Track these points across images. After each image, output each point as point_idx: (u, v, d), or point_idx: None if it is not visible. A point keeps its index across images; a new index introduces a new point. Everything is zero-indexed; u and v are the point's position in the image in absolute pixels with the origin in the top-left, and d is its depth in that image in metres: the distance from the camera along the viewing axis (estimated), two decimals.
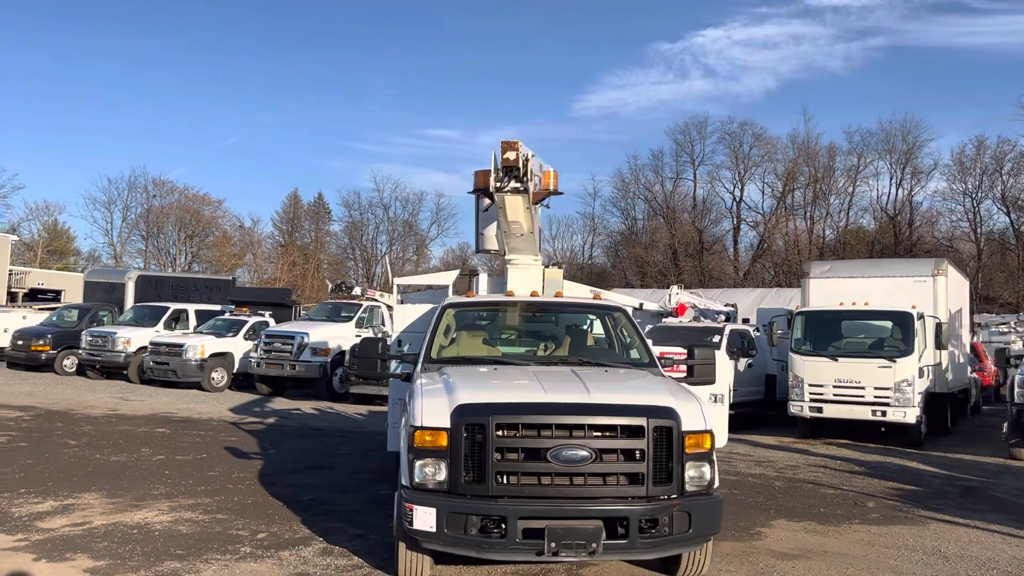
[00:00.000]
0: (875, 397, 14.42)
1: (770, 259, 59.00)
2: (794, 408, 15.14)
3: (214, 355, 21.34)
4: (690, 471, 5.60)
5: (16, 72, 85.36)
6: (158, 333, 22.71)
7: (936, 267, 15.97)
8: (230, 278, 38.32)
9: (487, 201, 8.82)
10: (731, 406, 16.04)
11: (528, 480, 5.43)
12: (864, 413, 14.53)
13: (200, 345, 21.23)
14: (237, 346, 21.87)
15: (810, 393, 14.94)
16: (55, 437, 12.54)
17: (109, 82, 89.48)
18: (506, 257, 8.99)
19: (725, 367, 9.01)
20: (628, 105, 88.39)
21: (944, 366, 15.72)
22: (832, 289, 16.28)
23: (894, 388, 14.29)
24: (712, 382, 7.34)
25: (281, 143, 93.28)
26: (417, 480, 5.52)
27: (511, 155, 7.32)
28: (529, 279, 8.82)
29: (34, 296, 46.98)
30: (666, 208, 64.11)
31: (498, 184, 7.59)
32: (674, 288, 19.18)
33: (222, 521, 7.62)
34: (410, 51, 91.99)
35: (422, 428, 5.55)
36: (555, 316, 8.56)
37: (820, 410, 14.87)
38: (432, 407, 5.63)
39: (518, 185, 7.56)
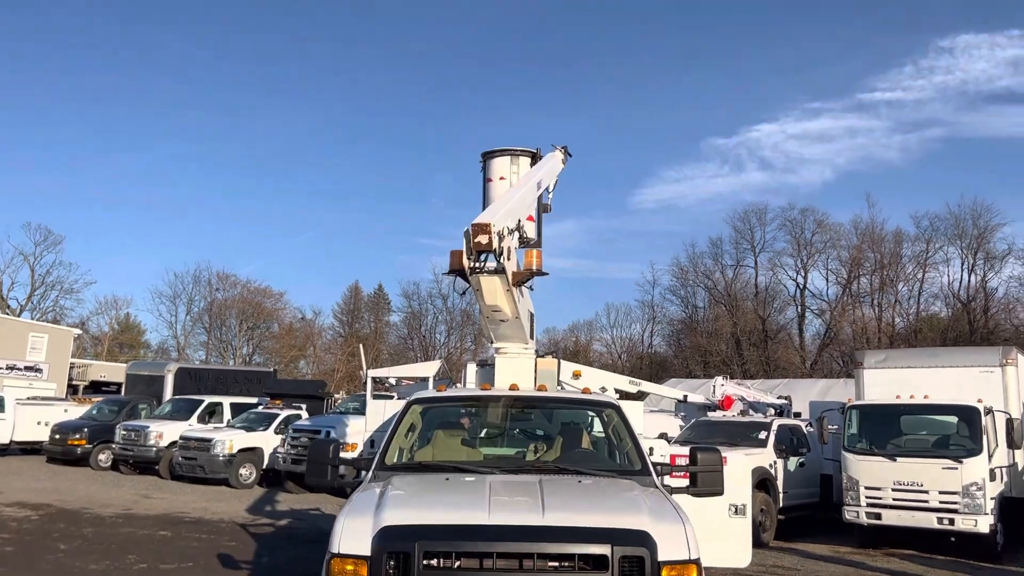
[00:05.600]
0: (940, 503, 12.82)
1: (837, 348, 56.59)
2: (849, 514, 13.58)
3: (243, 450, 20.75)
4: None
5: (89, 173, 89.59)
6: (190, 427, 22.27)
7: (1004, 356, 14.45)
8: (271, 370, 38.12)
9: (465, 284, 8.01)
10: (781, 511, 14.68)
11: None
12: (929, 521, 12.91)
13: (229, 440, 20.68)
14: (267, 440, 21.25)
15: (867, 497, 13.40)
16: (48, 541, 11.92)
17: (183, 183, 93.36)
18: (494, 345, 8.10)
19: (744, 472, 7.80)
20: (685, 197, 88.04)
21: (1022, 467, 14.06)
22: (889, 380, 14.85)
23: (962, 492, 12.70)
24: (719, 493, 6.25)
25: (348, 239, 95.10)
26: None
27: (483, 239, 6.53)
28: (518, 370, 7.87)
29: (97, 388, 47.63)
30: (727, 296, 62.62)
31: (473, 265, 6.79)
32: (719, 379, 17.96)
33: None
34: (475, 150, 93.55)
35: (339, 556, 4.64)
36: (550, 413, 7.59)
37: (879, 516, 13.29)
38: (353, 529, 4.73)
39: (494, 265, 6.75)
